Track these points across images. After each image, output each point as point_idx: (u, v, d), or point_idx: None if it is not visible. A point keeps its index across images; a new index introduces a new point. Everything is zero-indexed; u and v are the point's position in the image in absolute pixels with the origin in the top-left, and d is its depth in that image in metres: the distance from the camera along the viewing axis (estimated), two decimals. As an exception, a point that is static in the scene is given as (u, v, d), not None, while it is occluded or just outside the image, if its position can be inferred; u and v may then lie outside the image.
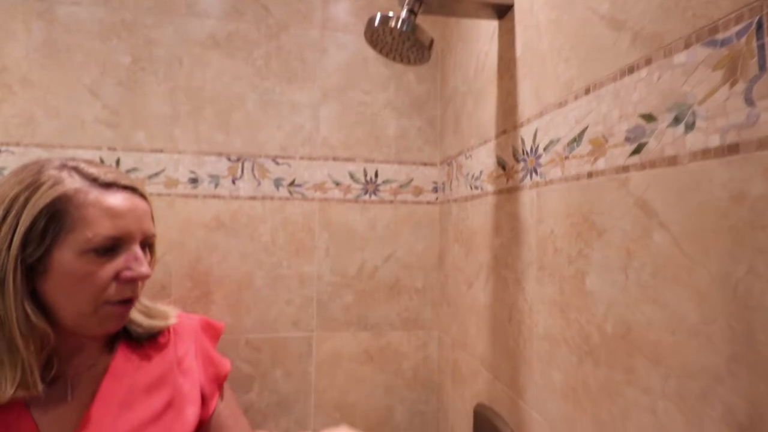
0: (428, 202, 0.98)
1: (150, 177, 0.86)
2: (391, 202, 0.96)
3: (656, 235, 0.36)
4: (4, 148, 0.83)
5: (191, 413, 0.57)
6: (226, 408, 0.67)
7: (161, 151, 0.87)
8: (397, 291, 0.96)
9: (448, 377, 0.88)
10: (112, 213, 0.49)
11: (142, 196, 0.54)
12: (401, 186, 0.97)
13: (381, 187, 0.96)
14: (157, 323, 0.59)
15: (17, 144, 0.83)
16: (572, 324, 0.47)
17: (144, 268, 0.51)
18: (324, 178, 0.94)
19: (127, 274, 0.50)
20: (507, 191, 0.63)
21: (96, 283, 0.48)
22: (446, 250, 0.93)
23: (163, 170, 0.87)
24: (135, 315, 0.57)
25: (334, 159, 0.94)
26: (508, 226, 0.63)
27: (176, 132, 0.88)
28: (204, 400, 0.61)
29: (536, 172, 0.55)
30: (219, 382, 0.64)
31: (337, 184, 0.94)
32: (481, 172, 0.73)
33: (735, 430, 0.29)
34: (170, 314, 0.62)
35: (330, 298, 0.93)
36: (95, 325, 0.50)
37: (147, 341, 0.59)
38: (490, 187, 0.70)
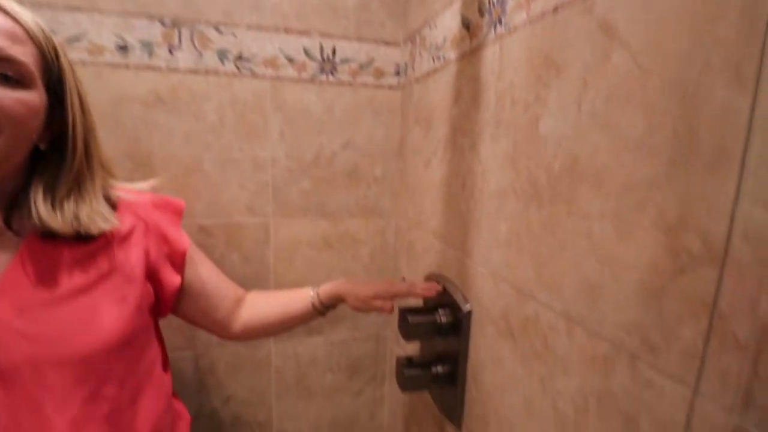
0: (390, 87, 0.92)
1: (70, 41, 0.75)
2: (350, 84, 0.90)
3: (615, 56, 0.34)
4: None
5: (132, 291, 0.54)
6: (204, 271, 0.66)
7: (79, 9, 0.74)
8: (356, 179, 0.94)
9: (404, 259, 0.91)
10: None
11: (19, 19, 0.44)
12: (361, 67, 0.90)
13: (339, 67, 0.89)
14: (85, 223, 0.50)
15: None
16: (521, 173, 0.47)
17: None
18: (275, 52, 0.85)
19: None
20: (470, 53, 0.60)
21: None
22: (406, 135, 0.90)
23: (84, 33, 0.75)
24: (43, 206, 0.48)
25: (287, 31, 0.85)
26: (468, 92, 0.60)
27: (95, -15, 0.75)
28: (158, 278, 0.59)
29: (500, 23, 0.51)
30: (175, 259, 0.61)
31: (291, 60, 0.86)
32: (444, 38, 0.68)
33: (663, 232, 0.30)
34: (110, 214, 0.53)
35: (286, 183, 0.90)
36: None
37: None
38: (452, 54, 0.65)
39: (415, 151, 0.84)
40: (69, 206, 0.50)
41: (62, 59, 0.48)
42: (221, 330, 0.69)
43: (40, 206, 0.48)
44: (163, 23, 0.78)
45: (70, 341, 0.47)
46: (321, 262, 0.95)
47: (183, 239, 0.63)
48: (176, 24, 0.79)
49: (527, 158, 0.46)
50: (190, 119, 0.82)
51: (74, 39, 0.75)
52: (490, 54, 0.54)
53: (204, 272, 0.66)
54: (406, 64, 0.89)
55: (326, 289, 0.69)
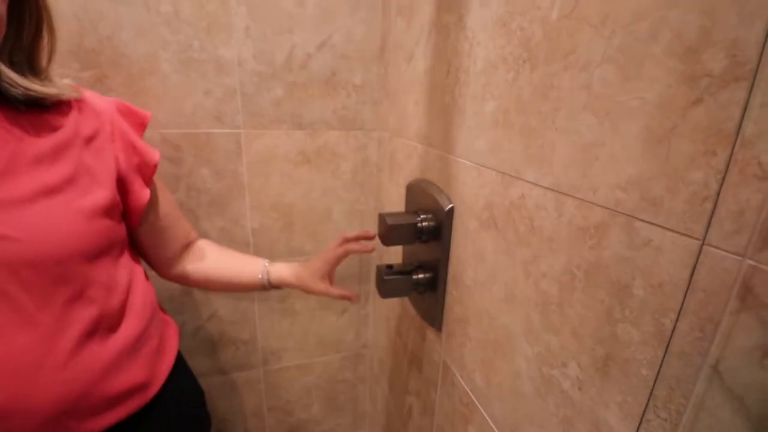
0: (369, -25, 0.81)
1: None
2: (323, -30, 0.79)
3: None
4: None
5: (102, 196, 0.50)
6: (165, 203, 0.62)
7: None
8: (333, 86, 0.86)
9: (386, 173, 0.86)
10: None
11: None
12: (335, -51, 0.78)
13: (309, -51, 0.77)
14: (42, 88, 0.47)
15: None
16: (513, 35, 0.40)
17: None
18: (233, -72, 0.72)
19: None
20: None
21: None
22: (388, 31, 0.81)
23: None
24: (10, 72, 0.45)
25: None
26: (454, -45, 0.51)
27: None
28: (127, 189, 0.55)
29: None
30: (145, 172, 0.57)
31: (252, -61, 0.74)
32: None
33: (678, 58, 0.25)
34: (67, 86, 0.49)
35: (257, 90, 0.81)
36: None
37: (34, 111, 0.47)
38: None
39: (397, 47, 0.75)
40: (24, 74, 0.46)
41: None
42: (160, 267, 0.67)
43: (1, 72, 0.44)
44: None
45: (41, 244, 0.45)
46: (299, 177, 0.90)
47: (153, 151, 0.58)
48: None
49: (521, 15, 0.39)
50: (140, 8, 0.71)
51: None
52: None
53: (164, 204, 0.63)
54: (387, -54, 0.77)
55: (279, 273, 0.69)
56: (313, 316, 1.01)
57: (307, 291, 0.69)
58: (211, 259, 0.70)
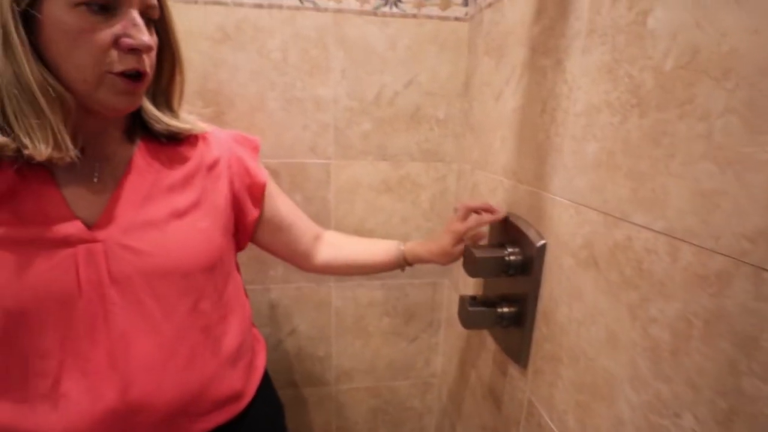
0: (456, 18, 0.86)
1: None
2: (415, 16, 0.85)
3: None
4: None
5: (219, 217, 0.57)
6: (283, 206, 0.69)
7: (150, -58, 0.75)
8: (417, 120, 0.91)
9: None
10: None
11: None
12: (426, -3, 0.84)
13: (403, -2, 0.84)
14: (179, 124, 0.56)
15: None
16: (620, 81, 0.41)
17: (145, 37, 0.46)
18: (338, -16, 0.82)
19: (127, 41, 0.45)
20: (556, -42, 0.53)
21: (93, 44, 0.44)
22: (474, 70, 0.84)
23: (156, -32, 0.76)
24: (154, 111, 0.55)
25: (349, -41, 0.81)
26: (552, 4, 0.54)
27: None
28: (240, 208, 0.62)
29: None
30: (255, 192, 0.64)
31: (353, -9, 0.82)
32: (524, -51, 0.61)
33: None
34: (197, 122, 0.59)
35: (348, 124, 0.89)
36: (104, 97, 0.47)
37: (171, 143, 0.57)
38: (534, -35, 0.58)
39: (483, 84, 0.78)
40: (166, 113, 0.55)
41: None
42: (302, 261, 0.73)
43: (146, 116, 0.54)
44: (228, -44, 0.78)
45: (173, 258, 0.52)
46: (380, 205, 0.95)
47: (262, 173, 0.65)
48: (241, -44, 0.78)
49: (629, 63, 0.40)
50: (254, 56, 0.82)
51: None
52: (585, -48, 0.47)
53: (282, 207, 0.69)
54: (476, -8, 0.82)
55: (413, 251, 0.72)
56: (385, 340, 1.04)
57: (444, 261, 0.70)
58: (346, 244, 0.75)
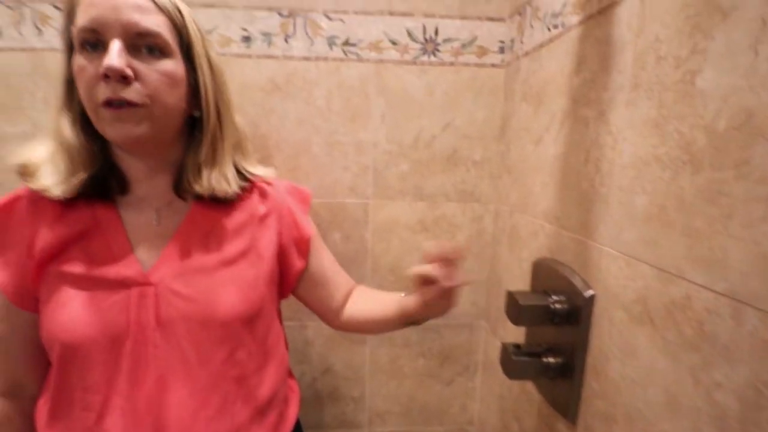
0: (493, 65, 0.89)
1: (204, 37, 0.84)
2: (452, 64, 0.88)
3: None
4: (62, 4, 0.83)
5: (265, 267, 0.58)
6: (325, 261, 0.69)
7: (212, 5, 0.83)
8: (454, 162, 0.93)
9: (504, 245, 0.87)
10: (88, 2, 0.46)
11: None
12: (464, 46, 0.88)
13: (441, 47, 0.88)
14: (222, 187, 0.56)
15: None
16: (669, 137, 0.41)
17: (108, 60, 0.44)
18: (380, 36, 0.87)
19: (99, 69, 0.45)
20: (597, 14, 0.54)
21: (84, 81, 0.47)
22: (511, 115, 0.86)
23: (215, 28, 0.84)
24: (197, 171, 0.55)
25: (391, 14, 0.86)
26: (594, 56, 0.55)
27: (226, -15, 0.83)
28: (286, 259, 0.62)
29: (641, -26, 0.46)
30: (301, 245, 0.64)
31: (394, 43, 0.87)
32: (564, 4, 0.63)
33: None
34: (258, 169, 0.63)
35: (386, 166, 0.92)
36: (102, 129, 0.49)
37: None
38: (574, 19, 0.60)
39: (521, 129, 0.79)
40: (206, 170, 0.55)
41: (189, 24, 0.52)
42: (330, 318, 0.71)
43: (188, 172, 0.55)
44: (280, 14, 0.85)
45: (214, 306, 0.52)
46: (417, 244, 0.95)
47: (310, 227, 0.66)
48: (292, 14, 0.85)
49: (678, 120, 0.40)
50: (301, 104, 0.88)
51: (207, 33, 0.84)
52: (627, 10, 0.49)
53: (325, 262, 0.69)
54: (512, 40, 0.85)
55: (407, 305, 0.62)
56: (420, 382, 1.02)
57: (427, 311, 0.60)
58: (364, 300, 0.71)
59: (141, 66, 0.48)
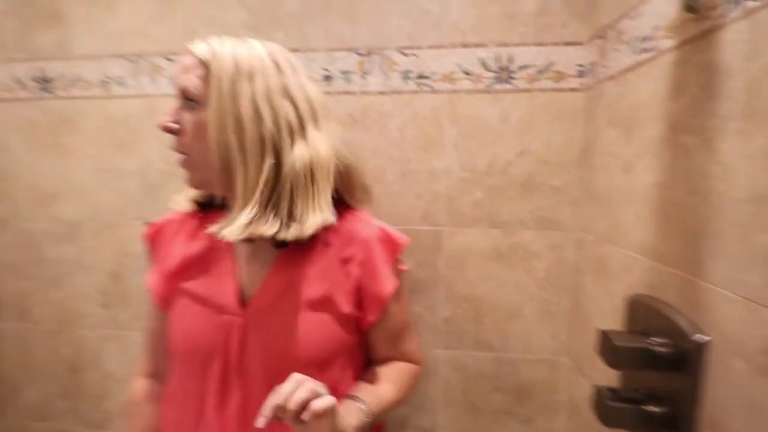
0: (571, 89, 0.86)
1: (288, 78, 0.91)
2: (527, 90, 0.87)
3: None
4: (173, 56, 0.95)
5: (344, 312, 0.59)
6: (395, 323, 0.65)
7: (297, 50, 0.90)
8: (531, 188, 0.90)
9: (589, 276, 0.82)
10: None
11: (194, 52, 0.55)
12: (539, 72, 0.86)
13: (516, 75, 0.87)
14: (295, 233, 0.54)
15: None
16: (801, 171, 0.37)
17: (159, 118, 0.55)
18: (452, 68, 0.88)
19: None
20: (697, 38, 0.51)
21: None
22: (593, 140, 0.82)
23: (299, 70, 0.91)
24: (264, 218, 0.53)
25: (464, 46, 0.87)
26: (695, 82, 0.51)
27: (309, 30, 0.90)
28: (360, 308, 0.62)
29: (753, -6, 0.43)
30: (376, 300, 0.62)
31: (467, 73, 0.88)
32: (655, 27, 0.60)
33: None
34: (311, 225, 0.55)
35: (460, 193, 0.91)
36: None
37: (313, 238, 0.57)
38: (667, 43, 0.57)
39: (608, 155, 0.75)
40: (263, 214, 0.54)
41: (217, 68, 0.53)
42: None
43: (253, 215, 0.54)
44: (358, 53, 0.90)
45: (295, 345, 0.55)
46: (491, 273, 0.93)
47: (389, 283, 0.62)
48: (369, 52, 0.89)
49: (812, 152, 0.36)
50: (376, 135, 0.91)
51: (292, 76, 0.91)
52: (733, 35, 0.45)
53: (393, 324, 0.66)
54: (592, 64, 0.82)
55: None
56: (495, 418, 0.97)
57: None
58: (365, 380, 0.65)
59: (184, 119, 0.55)
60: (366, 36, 0.89)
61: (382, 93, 0.90)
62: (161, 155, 1.00)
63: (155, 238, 0.64)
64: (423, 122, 0.90)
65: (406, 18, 0.87)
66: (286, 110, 0.54)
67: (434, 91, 0.89)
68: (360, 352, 0.67)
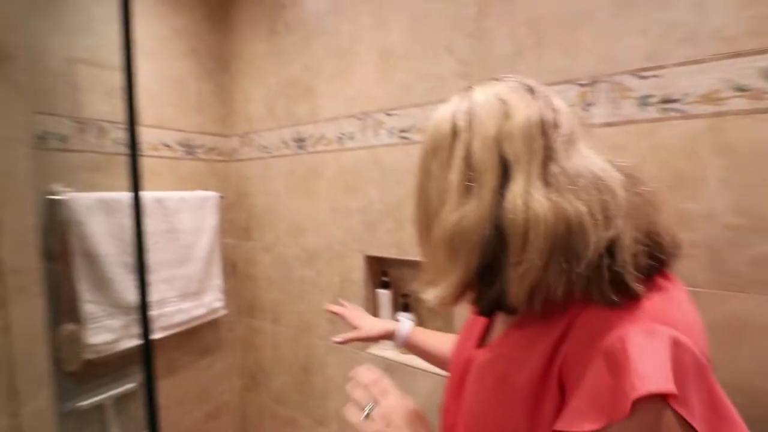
0: None
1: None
2: None
3: None
4: (393, 112, 1.07)
5: (546, 409, 0.44)
6: None
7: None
8: None
9: None
10: None
11: None
12: None
13: (832, 80, 0.61)
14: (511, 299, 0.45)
15: (401, 107, 1.05)
16: None
17: None
18: (715, 85, 0.69)
19: None
20: None
21: None
22: None
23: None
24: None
25: (736, 55, 0.67)
26: None
27: (521, 68, 0.86)
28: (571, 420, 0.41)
29: None
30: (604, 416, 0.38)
31: (741, 90, 0.67)
32: None
33: None
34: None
35: (731, 245, 0.69)
36: None
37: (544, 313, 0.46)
38: None
39: None
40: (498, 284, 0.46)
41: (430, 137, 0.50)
42: None
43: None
44: (579, 84, 0.80)
45: (491, 423, 0.48)
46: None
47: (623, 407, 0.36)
48: (593, 81, 0.79)
49: None
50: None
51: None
52: None
53: None
54: None
55: None
56: None
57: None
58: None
59: None
60: (588, 64, 0.79)
61: (608, 124, 0.78)
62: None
63: None
64: (668, 154, 0.73)
65: (644, 36, 0.74)
66: None
67: (686, 116, 0.71)
68: None
